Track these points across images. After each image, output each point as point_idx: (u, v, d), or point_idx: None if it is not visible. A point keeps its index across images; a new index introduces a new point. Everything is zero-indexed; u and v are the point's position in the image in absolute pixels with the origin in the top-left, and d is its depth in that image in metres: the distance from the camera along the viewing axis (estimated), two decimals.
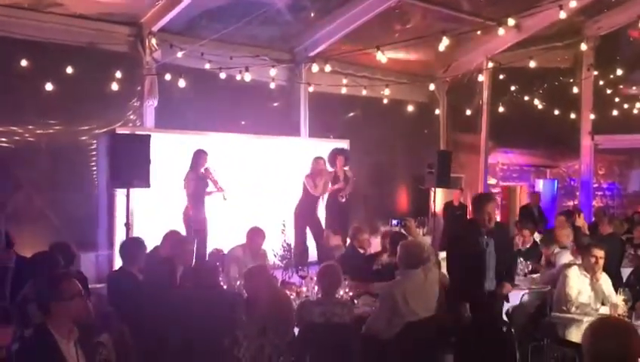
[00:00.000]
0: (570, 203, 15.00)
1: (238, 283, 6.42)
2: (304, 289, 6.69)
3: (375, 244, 9.06)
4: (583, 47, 11.52)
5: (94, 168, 9.79)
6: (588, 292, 6.46)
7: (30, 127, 9.20)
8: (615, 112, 13.70)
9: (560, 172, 15.68)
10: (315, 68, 10.60)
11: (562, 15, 7.85)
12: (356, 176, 11.18)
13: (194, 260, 8.95)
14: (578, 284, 6.49)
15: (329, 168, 10.56)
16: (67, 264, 6.03)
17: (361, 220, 11.03)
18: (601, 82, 13.94)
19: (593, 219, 12.12)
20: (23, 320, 4.70)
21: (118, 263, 8.08)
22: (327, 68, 10.83)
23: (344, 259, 7.39)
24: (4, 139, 8.98)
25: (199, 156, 9.30)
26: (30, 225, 8.94)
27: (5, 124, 8.98)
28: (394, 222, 10.80)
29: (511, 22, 8.43)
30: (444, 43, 8.07)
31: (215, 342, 3.91)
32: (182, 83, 9.77)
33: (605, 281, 6.57)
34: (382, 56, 8.56)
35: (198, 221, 9.26)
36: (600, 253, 6.51)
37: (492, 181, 14.86)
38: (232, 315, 3.77)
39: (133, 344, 4.97)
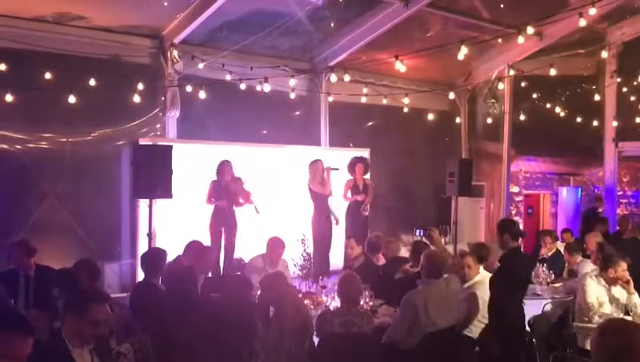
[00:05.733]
0: None
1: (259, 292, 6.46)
2: (324, 298, 6.71)
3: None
4: (604, 54, 11.43)
5: (117, 179, 9.91)
6: (609, 302, 6.40)
7: (54, 138, 9.33)
8: (639, 120, 13.53)
9: (583, 180, 15.52)
10: (334, 78, 10.62)
11: (582, 23, 7.80)
12: (377, 185, 11.19)
13: (220, 270, 9.09)
14: (597, 293, 6.43)
15: (349, 176, 10.61)
16: (92, 281, 6.11)
17: (382, 229, 11.03)
18: (625, 89, 13.79)
19: (617, 227, 11.97)
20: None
21: (141, 273, 8.19)
22: (347, 78, 10.85)
23: (362, 268, 7.40)
24: (29, 150, 9.11)
25: (221, 166, 9.40)
26: (54, 234, 9.09)
27: (30, 135, 9.12)
28: (417, 232, 10.75)
29: (530, 30, 8.38)
30: (463, 52, 8.06)
31: (234, 353, 3.93)
32: (203, 94, 9.89)
33: (635, 296, 6.48)
34: (401, 66, 8.56)
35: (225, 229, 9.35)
36: (623, 265, 6.43)
37: (514, 189, 14.76)
38: (251, 326, 3.78)
39: (155, 355, 5.00)
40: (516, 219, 14.87)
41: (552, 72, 10.04)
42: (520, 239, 6.16)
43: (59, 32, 9.14)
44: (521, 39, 8.89)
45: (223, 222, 9.31)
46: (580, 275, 7.79)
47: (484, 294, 6.20)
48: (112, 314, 3.97)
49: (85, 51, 9.33)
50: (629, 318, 6.25)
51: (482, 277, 6.56)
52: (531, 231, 14.50)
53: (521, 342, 6.03)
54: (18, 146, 9.04)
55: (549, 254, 9.35)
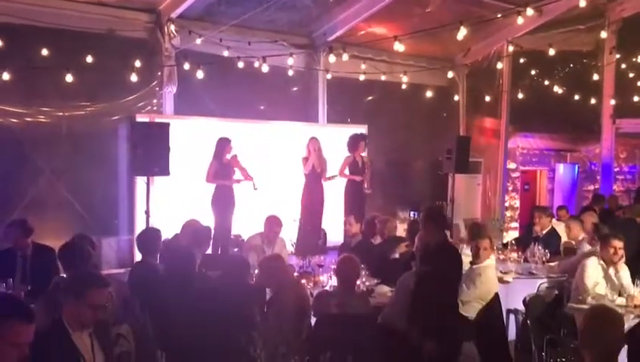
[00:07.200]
0: (591, 187, 14.90)
1: (256, 271, 6.49)
2: (321, 278, 6.75)
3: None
4: (603, 34, 11.35)
5: (114, 154, 9.89)
6: (605, 283, 6.44)
7: (50, 112, 9.29)
8: (636, 98, 13.51)
9: (580, 156, 15.54)
10: (332, 59, 10.48)
11: (582, 3, 7.76)
12: (374, 162, 11.17)
13: (218, 250, 9.12)
14: (595, 275, 6.46)
15: (348, 153, 10.59)
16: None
17: (379, 205, 11.07)
18: (624, 65, 13.74)
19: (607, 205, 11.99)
20: (54, 307, 4.81)
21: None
22: (345, 57, 10.70)
23: (359, 247, 7.45)
24: (25, 125, 9.07)
25: (222, 144, 9.31)
26: (52, 210, 9.10)
27: (26, 109, 9.07)
28: (412, 213, 10.77)
29: (530, 12, 8.33)
30: (462, 33, 8.01)
31: (232, 337, 3.96)
32: (200, 69, 9.80)
33: (624, 272, 6.53)
34: (400, 46, 8.50)
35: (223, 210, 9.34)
36: (619, 243, 6.46)
37: (511, 165, 14.78)
38: (250, 312, 3.82)
39: (154, 335, 5.05)
40: (513, 195, 14.95)
41: (551, 52, 9.97)
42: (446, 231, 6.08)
43: (55, 6, 9.04)
44: (520, 20, 8.84)
45: (228, 201, 9.27)
46: (578, 253, 7.80)
47: (490, 277, 6.47)
48: (113, 300, 4.00)
49: (81, 26, 9.25)
50: (622, 299, 6.32)
51: (491, 262, 6.74)
52: (528, 207, 14.59)
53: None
54: (14, 120, 9.00)
55: (544, 232, 9.18)
